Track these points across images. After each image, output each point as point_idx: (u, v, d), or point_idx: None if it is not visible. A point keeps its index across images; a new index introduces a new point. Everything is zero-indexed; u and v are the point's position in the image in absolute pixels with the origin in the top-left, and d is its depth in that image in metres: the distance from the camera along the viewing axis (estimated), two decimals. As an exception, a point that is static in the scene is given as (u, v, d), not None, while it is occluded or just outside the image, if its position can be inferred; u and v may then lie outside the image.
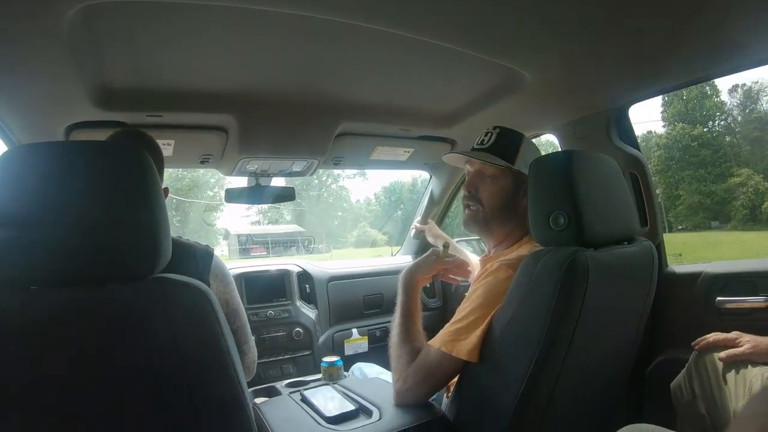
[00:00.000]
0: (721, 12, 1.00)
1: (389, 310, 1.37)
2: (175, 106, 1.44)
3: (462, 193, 1.27)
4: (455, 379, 1.10)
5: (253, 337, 1.33)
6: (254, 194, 1.90)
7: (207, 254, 1.21)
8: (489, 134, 1.23)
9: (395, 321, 1.19)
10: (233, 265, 2.14)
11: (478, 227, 1.24)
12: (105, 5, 0.89)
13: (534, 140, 1.99)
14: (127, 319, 0.67)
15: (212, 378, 0.71)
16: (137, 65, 1.24)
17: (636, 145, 1.59)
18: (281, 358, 2.00)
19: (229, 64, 1.28)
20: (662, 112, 23.85)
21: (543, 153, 1.20)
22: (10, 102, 1.25)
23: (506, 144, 1.21)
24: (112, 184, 0.68)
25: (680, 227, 21.46)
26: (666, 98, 22.80)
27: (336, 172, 23.13)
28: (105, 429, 0.68)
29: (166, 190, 1.21)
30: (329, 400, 1.22)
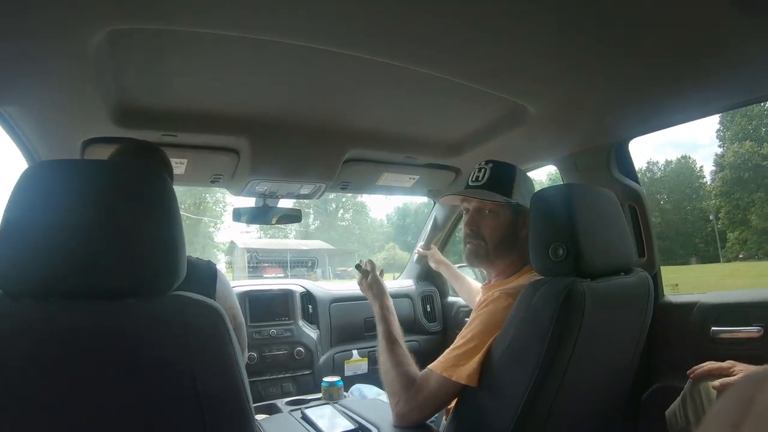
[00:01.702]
0: (725, 50, 1.03)
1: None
2: (190, 126, 1.48)
3: (464, 229, 1.29)
4: (454, 402, 1.12)
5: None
6: (261, 214, 1.94)
7: (211, 272, 1.22)
8: (482, 170, 1.26)
9: (381, 348, 1.21)
10: (237, 283, 2.16)
11: (479, 261, 1.27)
12: (128, 30, 0.93)
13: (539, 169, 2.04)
14: (145, 334, 0.69)
15: (223, 394, 0.73)
16: (156, 87, 1.29)
17: (635, 178, 1.63)
18: (282, 376, 2.01)
19: (244, 89, 1.34)
20: (718, 131, 22.52)
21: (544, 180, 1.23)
22: (33, 115, 1.29)
23: (501, 178, 1.24)
24: (133, 203, 0.71)
25: (741, 255, 19.80)
26: (727, 117, 21.35)
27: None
28: None
29: None
30: (329, 419, 1.24)
